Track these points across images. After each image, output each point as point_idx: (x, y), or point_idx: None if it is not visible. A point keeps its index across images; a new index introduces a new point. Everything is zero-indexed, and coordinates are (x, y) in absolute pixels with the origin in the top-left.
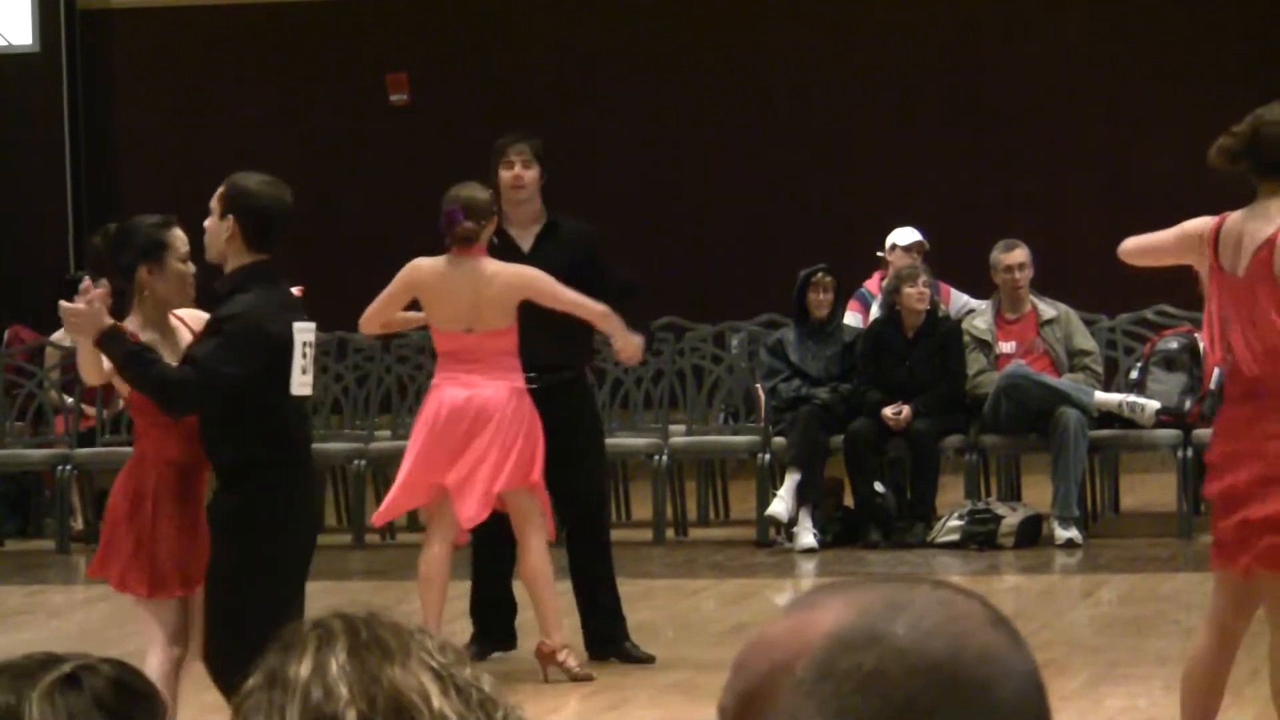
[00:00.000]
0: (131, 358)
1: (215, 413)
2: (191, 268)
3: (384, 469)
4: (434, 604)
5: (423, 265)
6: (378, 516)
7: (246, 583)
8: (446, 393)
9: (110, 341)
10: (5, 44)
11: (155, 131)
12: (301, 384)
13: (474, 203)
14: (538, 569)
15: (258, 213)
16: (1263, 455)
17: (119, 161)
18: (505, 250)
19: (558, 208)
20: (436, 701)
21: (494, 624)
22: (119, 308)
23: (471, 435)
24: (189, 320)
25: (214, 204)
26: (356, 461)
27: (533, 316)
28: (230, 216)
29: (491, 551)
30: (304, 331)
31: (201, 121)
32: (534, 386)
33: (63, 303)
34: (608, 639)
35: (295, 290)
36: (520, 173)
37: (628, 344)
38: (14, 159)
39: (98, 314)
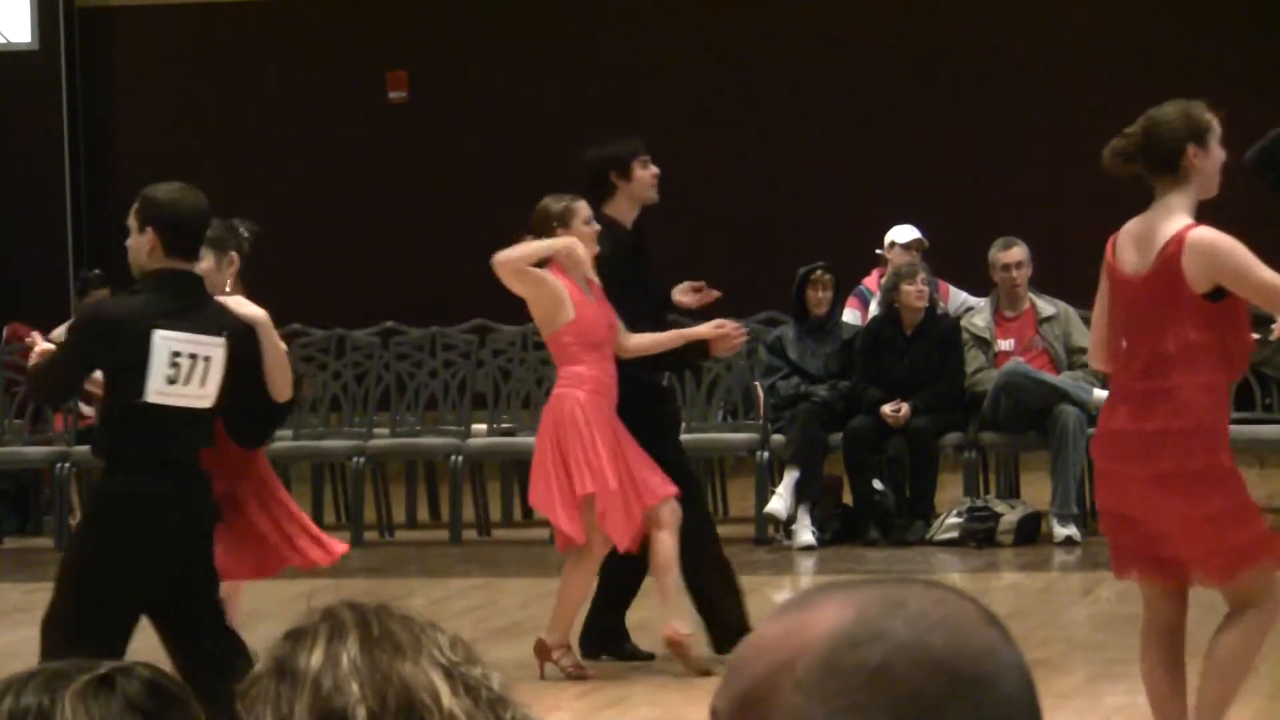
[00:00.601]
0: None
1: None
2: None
3: (382, 466)
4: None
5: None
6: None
7: (64, 578)
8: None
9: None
10: (4, 42)
11: (154, 129)
12: (162, 393)
13: (542, 213)
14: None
15: (174, 222)
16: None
17: (118, 159)
18: (637, 250)
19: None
20: (446, 701)
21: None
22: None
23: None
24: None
25: (131, 219)
26: (355, 459)
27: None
28: (149, 229)
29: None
30: (177, 341)
31: (200, 119)
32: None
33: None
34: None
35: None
36: (656, 170)
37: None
38: (13, 157)
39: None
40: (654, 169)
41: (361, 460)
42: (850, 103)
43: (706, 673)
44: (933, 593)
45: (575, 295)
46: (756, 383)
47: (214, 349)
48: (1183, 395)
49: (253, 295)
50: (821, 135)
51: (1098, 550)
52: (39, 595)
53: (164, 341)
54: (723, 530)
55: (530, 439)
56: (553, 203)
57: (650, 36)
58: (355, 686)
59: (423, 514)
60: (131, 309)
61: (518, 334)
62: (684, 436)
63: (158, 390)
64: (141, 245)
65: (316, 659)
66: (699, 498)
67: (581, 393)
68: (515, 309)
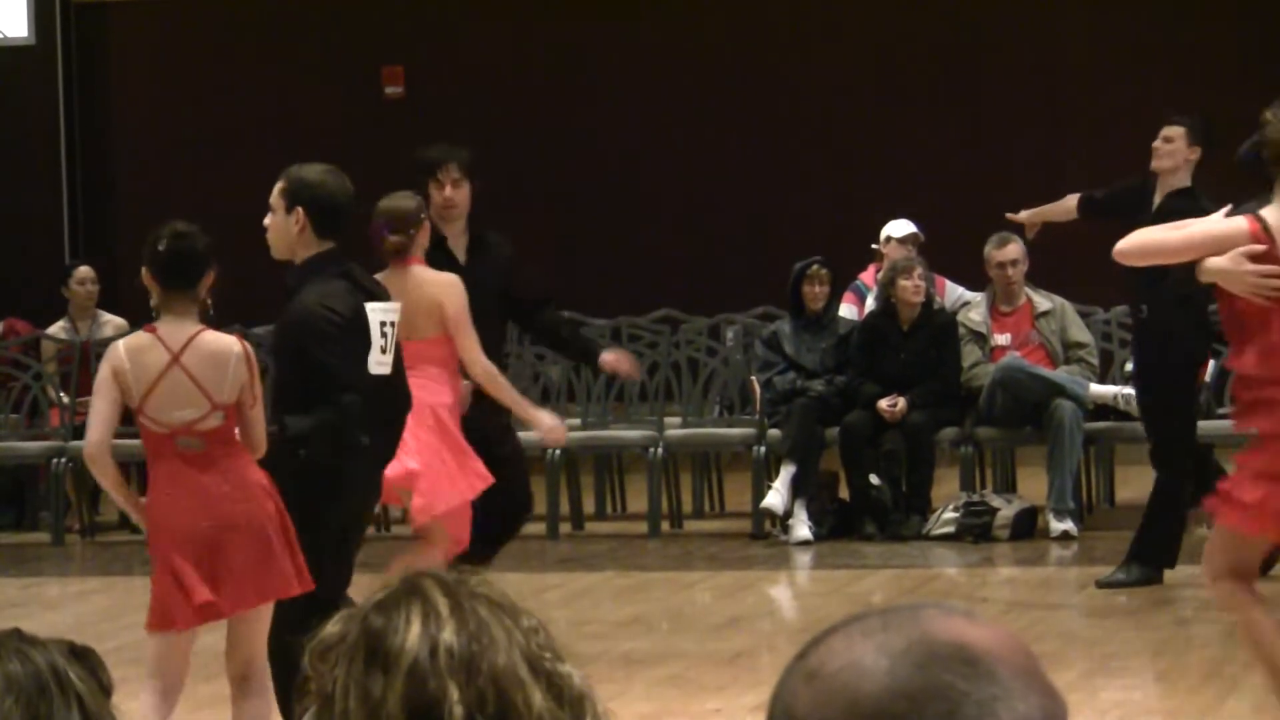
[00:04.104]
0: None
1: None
2: None
3: None
4: None
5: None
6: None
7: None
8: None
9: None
10: (1, 36)
11: (150, 124)
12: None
13: (397, 214)
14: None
15: (326, 202)
16: None
17: (114, 154)
18: (443, 261)
19: (552, 203)
20: (537, 704)
21: None
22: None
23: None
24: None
25: (275, 199)
26: None
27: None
28: (299, 209)
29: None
30: (380, 312)
31: (196, 115)
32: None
33: None
34: None
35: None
36: (451, 194)
37: (542, 422)
38: (9, 152)
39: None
40: (446, 192)
41: None
42: (846, 97)
43: None
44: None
45: None
46: (753, 378)
47: (395, 314)
48: None
49: (249, 293)
50: (817, 130)
51: (1094, 545)
52: (35, 590)
53: (373, 314)
54: (719, 525)
55: (526, 434)
56: (408, 199)
57: (645, 30)
58: (453, 682)
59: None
60: (346, 295)
61: (513, 330)
62: (681, 430)
63: (377, 361)
64: (289, 226)
65: (411, 643)
66: None
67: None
68: None
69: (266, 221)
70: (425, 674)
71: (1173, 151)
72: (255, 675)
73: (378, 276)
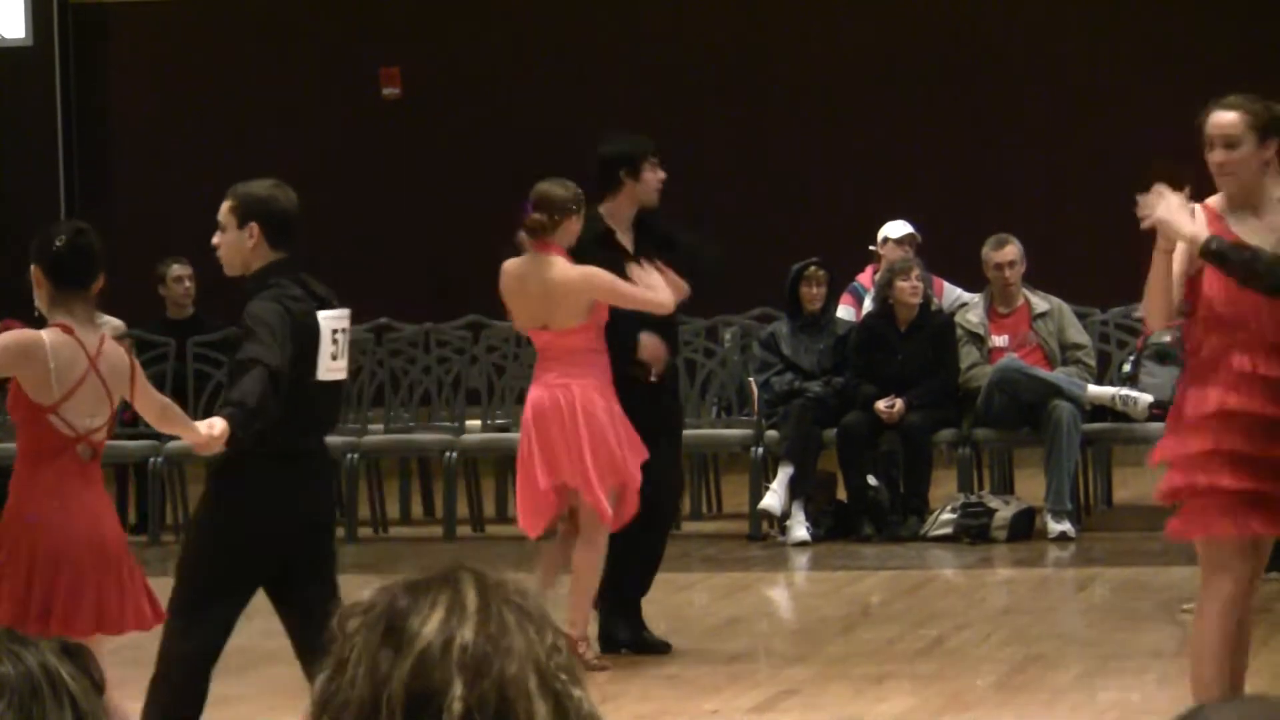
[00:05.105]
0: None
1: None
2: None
3: (376, 463)
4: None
5: (504, 266)
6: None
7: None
8: (532, 394)
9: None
10: None
11: (147, 125)
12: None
13: (547, 196)
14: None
15: (278, 215)
16: None
17: (111, 155)
18: (615, 259)
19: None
20: (539, 718)
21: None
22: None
23: (565, 434)
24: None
25: (225, 217)
26: (349, 455)
27: (630, 313)
28: (252, 224)
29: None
30: (332, 320)
31: (194, 116)
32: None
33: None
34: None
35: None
36: (662, 174)
37: (650, 344)
38: (6, 153)
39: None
40: (661, 174)
41: (356, 457)
42: (844, 98)
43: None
44: None
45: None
46: (750, 379)
47: (347, 321)
48: None
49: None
50: (815, 131)
51: (1092, 546)
52: None
53: (325, 321)
54: (716, 526)
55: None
56: (562, 187)
57: (644, 33)
58: (460, 678)
59: (417, 510)
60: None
61: (511, 330)
62: None
63: (327, 367)
64: (242, 241)
65: (430, 630)
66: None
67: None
68: None
69: (216, 240)
70: (434, 663)
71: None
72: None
73: (517, 260)
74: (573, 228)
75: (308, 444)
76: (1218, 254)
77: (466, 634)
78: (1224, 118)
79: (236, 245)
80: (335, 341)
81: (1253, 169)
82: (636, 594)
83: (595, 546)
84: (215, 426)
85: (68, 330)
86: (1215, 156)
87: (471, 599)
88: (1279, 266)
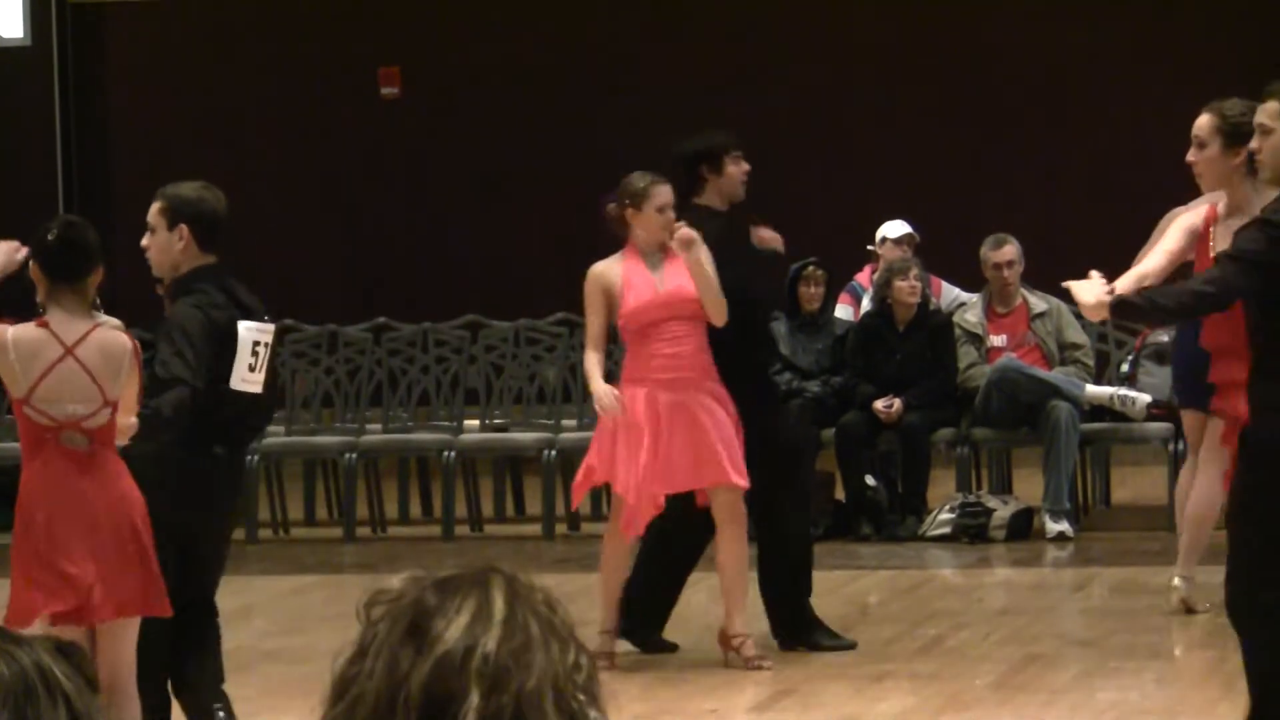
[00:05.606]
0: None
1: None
2: None
3: (374, 462)
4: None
5: (595, 268)
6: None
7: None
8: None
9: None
10: None
11: (147, 125)
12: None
13: (623, 186)
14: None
15: (208, 217)
16: None
17: (110, 155)
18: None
19: (549, 203)
20: None
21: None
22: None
23: (660, 433)
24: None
25: (154, 218)
26: (347, 455)
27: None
28: (182, 225)
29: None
30: (255, 331)
31: (193, 115)
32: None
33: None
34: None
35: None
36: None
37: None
38: (5, 153)
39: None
40: (745, 165)
41: (354, 456)
42: (842, 99)
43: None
44: None
45: (634, 282)
46: None
47: (269, 335)
48: None
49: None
50: (813, 131)
51: (1090, 546)
52: None
53: (247, 332)
54: None
55: (522, 435)
56: (638, 179)
57: (642, 30)
58: (477, 688)
59: (415, 510)
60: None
61: (510, 330)
62: None
63: (242, 378)
64: (171, 243)
65: (453, 635)
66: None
67: (622, 382)
68: (507, 305)
69: (145, 242)
70: (453, 670)
71: None
72: (121, 687)
73: (611, 259)
74: (633, 222)
75: (213, 449)
76: (1122, 307)
77: (490, 644)
78: (1199, 119)
79: (166, 247)
80: (255, 354)
81: (1218, 171)
82: (671, 595)
83: (739, 540)
84: (131, 424)
85: (42, 324)
86: (1188, 156)
87: (499, 606)
88: (1160, 299)
